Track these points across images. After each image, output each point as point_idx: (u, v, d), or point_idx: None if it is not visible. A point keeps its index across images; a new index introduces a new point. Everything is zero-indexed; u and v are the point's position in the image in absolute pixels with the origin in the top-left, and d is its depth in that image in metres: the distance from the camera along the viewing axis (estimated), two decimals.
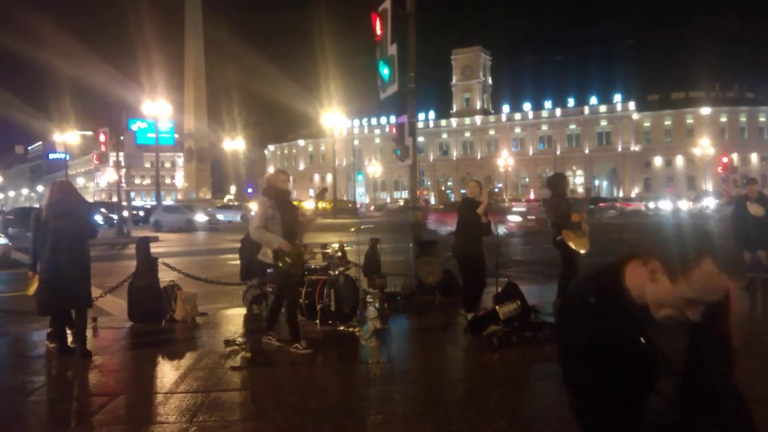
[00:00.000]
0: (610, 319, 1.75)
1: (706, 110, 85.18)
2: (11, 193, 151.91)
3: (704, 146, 78.85)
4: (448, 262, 9.37)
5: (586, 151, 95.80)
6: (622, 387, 1.75)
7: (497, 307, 6.88)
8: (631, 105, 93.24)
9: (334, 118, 60.55)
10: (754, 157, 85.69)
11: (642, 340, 1.72)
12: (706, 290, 1.64)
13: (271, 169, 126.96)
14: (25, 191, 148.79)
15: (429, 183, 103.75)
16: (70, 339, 6.53)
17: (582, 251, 8.09)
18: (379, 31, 10.36)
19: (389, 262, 10.68)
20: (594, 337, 1.78)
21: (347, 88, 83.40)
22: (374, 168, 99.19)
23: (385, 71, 10.34)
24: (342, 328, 7.37)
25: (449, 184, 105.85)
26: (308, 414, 4.60)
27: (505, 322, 6.74)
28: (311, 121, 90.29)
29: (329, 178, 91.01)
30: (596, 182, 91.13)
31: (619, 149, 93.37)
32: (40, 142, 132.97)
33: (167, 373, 5.96)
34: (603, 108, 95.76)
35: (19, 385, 5.50)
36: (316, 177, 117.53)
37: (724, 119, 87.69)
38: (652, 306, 1.72)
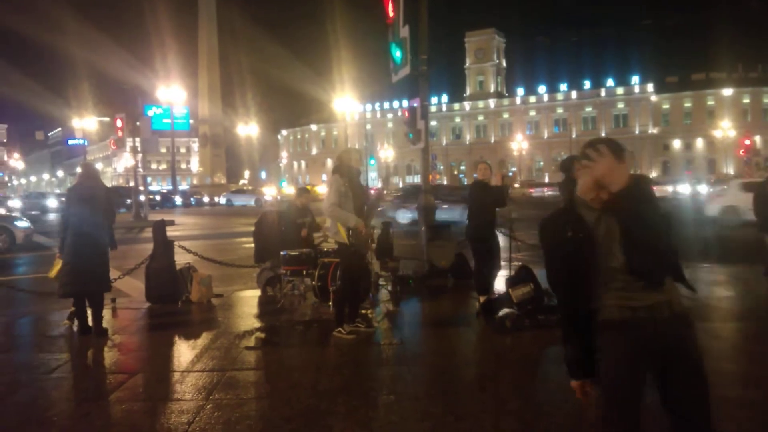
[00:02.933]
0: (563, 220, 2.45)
1: (727, 91, 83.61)
2: (33, 178, 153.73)
3: (725, 128, 77.46)
4: (461, 246, 9.41)
5: (603, 134, 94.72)
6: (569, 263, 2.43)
7: (510, 290, 6.92)
8: (650, 87, 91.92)
9: (347, 103, 60.28)
10: None
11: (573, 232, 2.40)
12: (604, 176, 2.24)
13: (284, 154, 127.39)
14: (46, 176, 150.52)
15: (441, 167, 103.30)
16: (90, 319, 6.69)
17: None
18: (391, 14, 10.32)
19: (401, 245, 10.73)
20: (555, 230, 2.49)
21: (360, 72, 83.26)
22: (386, 152, 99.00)
23: (397, 54, 10.31)
24: None
25: (462, 168, 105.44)
26: (321, 393, 4.69)
27: (518, 305, 6.78)
28: (323, 105, 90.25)
29: None
30: None
31: (637, 132, 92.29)
32: (60, 128, 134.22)
33: (184, 352, 6.10)
34: (620, 90, 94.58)
35: (42, 363, 5.67)
36: (329, 162, 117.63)
37: (746, 100, 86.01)
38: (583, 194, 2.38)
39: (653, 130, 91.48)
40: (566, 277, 2.47)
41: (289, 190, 66.49)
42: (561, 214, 2.50)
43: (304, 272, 7.77)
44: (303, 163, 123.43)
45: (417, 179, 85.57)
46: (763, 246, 9.48)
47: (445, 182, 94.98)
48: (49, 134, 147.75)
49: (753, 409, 4.27)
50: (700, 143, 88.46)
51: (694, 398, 2.36)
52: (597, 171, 2.27)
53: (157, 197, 48.46)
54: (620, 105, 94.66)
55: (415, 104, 10.37)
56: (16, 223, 17.02)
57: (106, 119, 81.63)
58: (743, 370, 5.20)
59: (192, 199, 54.71)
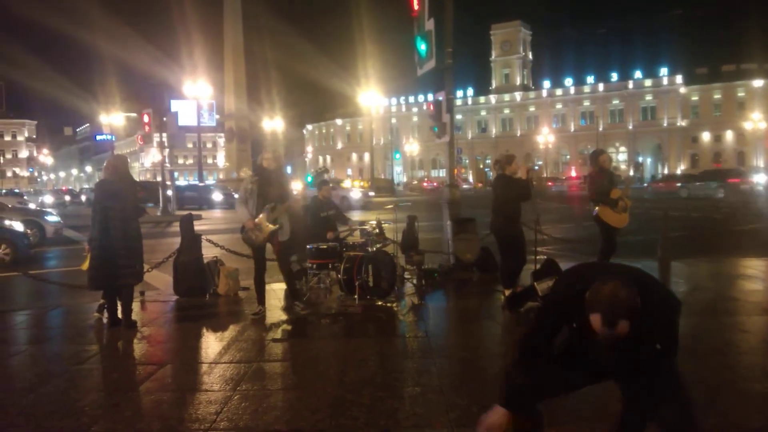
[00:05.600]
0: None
1: (758, 83, 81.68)
2: (61, 174, 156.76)
3: (756, 120, 75.94)
4: (486, 239, 9.36)
5: (630, 127, 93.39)
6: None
7: (535, 283, 6.85)
8: (678, 78, 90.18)
9: (372, 97, 60.38)
10: None
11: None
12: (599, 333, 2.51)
13: (309, 149, 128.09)
14: (74, 172, 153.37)
15: (467, 161, 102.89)
16: (119, 312, 6.80)
17: (618, 227, 8.03)
18: (416, 7, 10.28)
19: (427, 239, 10.73)
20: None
21: (385, 66, 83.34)
22: (411, 146, 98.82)
23: (422, 47, 10.27)
24: (380, 303, 7.48)
25: (487, 161, 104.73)
26: (347, 385, 4.71)
27: (543, 298, 6.71)
28: (349, 100, 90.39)
29: (366, 157, 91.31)
30: (640, 159, 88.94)
31: (665, 124, 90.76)
32: (88, 124, 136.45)
33: (211, 344, 6.17)
34: (648, 82, 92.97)
35: (72, 354, 5.78)
36: (354, 156, 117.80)
37: None
38: None
39: (682, 123, 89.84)
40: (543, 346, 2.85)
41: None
42: (576, 297, 2.61)
43: (330, 265, 7.80)
44: (328, 157, 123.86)
45: (442, 173, 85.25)
46: None
47: (470, 176, 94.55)
48: (78, 130, 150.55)
49: None
50: (729, 135, 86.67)
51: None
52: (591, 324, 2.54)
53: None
54: (648, 97, 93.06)
55: (440, 98, 10.32)
56: (46, 217, 17.37)
57: (133, 115, 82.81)
58: None
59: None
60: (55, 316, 7.92)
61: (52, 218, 17.43)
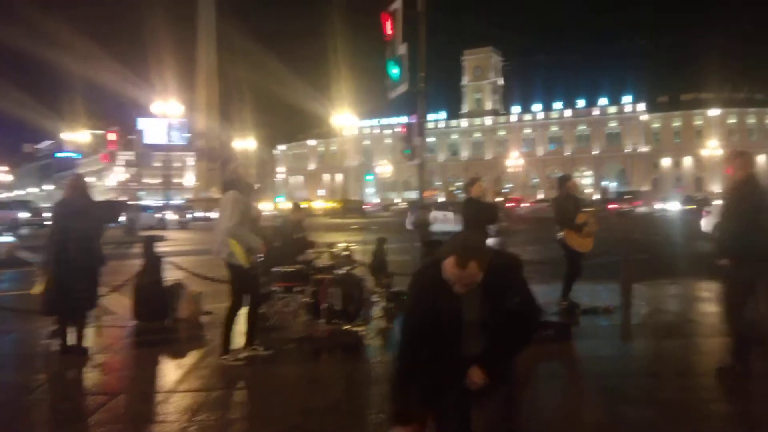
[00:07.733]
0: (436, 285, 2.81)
1: (714, 112, 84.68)
2: (20, 192, 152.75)
3: (712, 147, 78.57)
4: None
5: (596, 152, 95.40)
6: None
7: None
8: (641, 106, 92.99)
9: (345, 118, 60.58)
10: (762, 159, 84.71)
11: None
12: (453, 278, 2.70)
13: (281, 170, 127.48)
14: (34, 190, 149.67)
15: (439, 183, 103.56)
16: (71, 339, 6.48)
17: (583, 251, 8.12)
18: (389, 31, 10.29)
19: (396, 261, 10.60)
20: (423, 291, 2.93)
21: (358, 88, 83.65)
22: (384, 168, 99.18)
23: (394, 71, 10.27)
24: (347, 327, 7.29)
25: (458, 184, 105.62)
26: (310, 413, 4.56)
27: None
28: (322, 121, 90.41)
29: (339, 178, 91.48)
30: (605, 183, 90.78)
31: (629, 150, 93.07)
32: (52, 141, 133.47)
33: (169, 371, 5.93)
34: (613, 109, 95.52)
35: (20, 383, 5.49)
36: (326, 177, 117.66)
37: (732, 120, 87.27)
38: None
39: (644, 148, 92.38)
40: (419, 330, 2.91)
41: (286, 205, 66.22)
42: (435, 277, 2.80)
43: (297, 289, 7.61)
44: (301, 178, 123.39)
45: (414, 195, 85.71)
46: None
47: (442, 198, 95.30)
48: (39, 147, 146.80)
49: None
50: (688, 161, 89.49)
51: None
52: (446, 274, 2.72)
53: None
54: (613, 123, 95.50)
55: (413, 121, 10.31)
56: None
57: (100, 132, 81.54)
58: (728, 386, 5.13)
59: (190, 214, 52.47)
60: (2, 343, 7.55)
61: (5, 238, 16.81)
